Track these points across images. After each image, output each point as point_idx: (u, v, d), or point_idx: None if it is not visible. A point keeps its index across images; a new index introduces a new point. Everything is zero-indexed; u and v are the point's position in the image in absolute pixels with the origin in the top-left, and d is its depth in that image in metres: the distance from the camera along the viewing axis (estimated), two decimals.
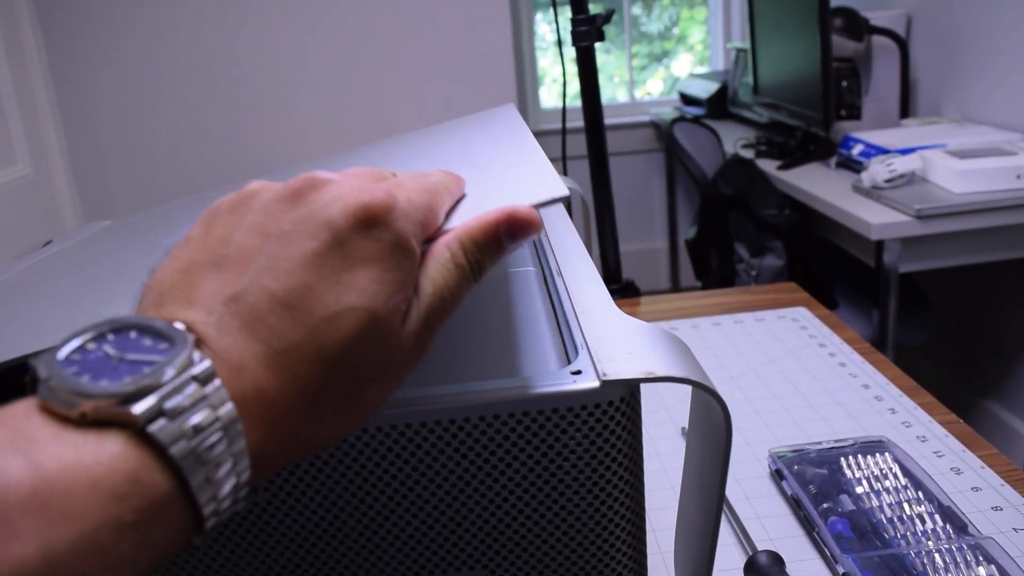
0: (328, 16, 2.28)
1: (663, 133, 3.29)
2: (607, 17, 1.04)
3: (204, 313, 0.27)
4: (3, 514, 0.21)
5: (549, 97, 3.61)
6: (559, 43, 1.13)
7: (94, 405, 0.24)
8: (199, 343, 0.26)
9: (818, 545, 0.56)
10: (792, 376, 0.82)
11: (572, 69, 1.12)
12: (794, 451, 0.65)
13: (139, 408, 0.24)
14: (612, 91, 3.76)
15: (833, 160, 2.12)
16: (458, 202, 0.36)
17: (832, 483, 0.60)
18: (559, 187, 0.34)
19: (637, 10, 3.70)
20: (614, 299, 1.12)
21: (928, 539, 0.54)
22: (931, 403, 0.76)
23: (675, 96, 3.62)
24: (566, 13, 1.08)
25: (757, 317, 0.99)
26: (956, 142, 1.86)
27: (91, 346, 0.26)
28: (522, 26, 3.42)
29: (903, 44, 2.24)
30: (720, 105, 3.12)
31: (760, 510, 0.61)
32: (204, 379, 0.25)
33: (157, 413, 0.24)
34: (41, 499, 0.21)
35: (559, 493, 0.35)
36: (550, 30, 3.60)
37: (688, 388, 0.81)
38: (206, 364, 0.25)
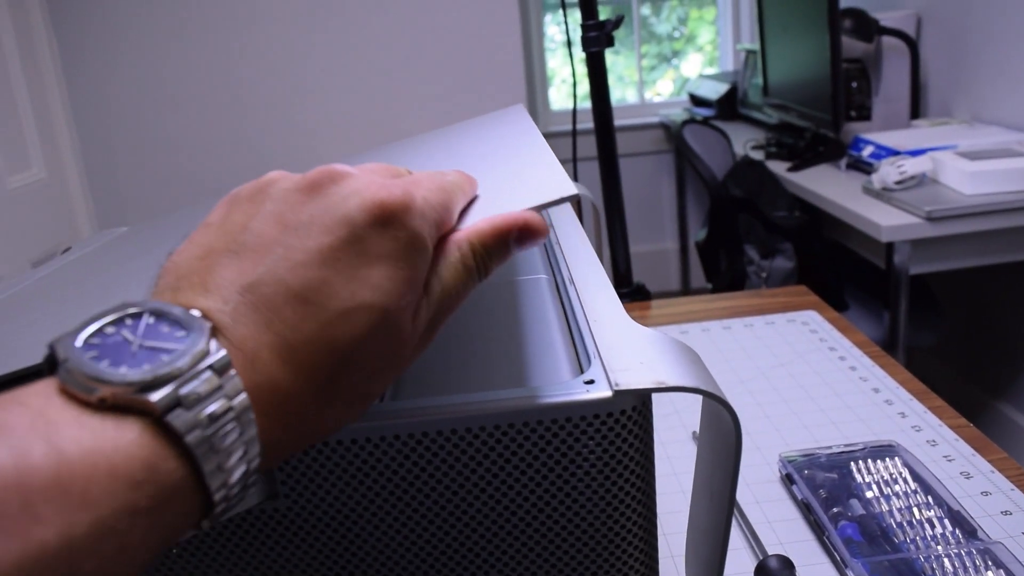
0: (338, 19, 2.30)
1: (673, 135, 3.29)
2: (617, 23, 1.04)
3: (220, 301, 0.28)
4: (26, 499, 0.21)
5: (559, 98, 3.61)
6: (568, 45, 1.14)
7: (112, 392, 0.24)
8: (215, 331, 0.27)
9: (828, 549, 0.56)
10: (802, 380, 0.83)
11: (581, 69, 1.12)
12: (804, 455, 0.65)
13: (157, 396, 0.24)
14: (622, 91, 3.76)
15: (843, 161, 2.12)
16: (471, 202, 0.37)
17: (842, 487, 0.61)
18: (568, 187, 0.35)
19: (646, 10, 3.70)
20: (625, 303, 1.13)
21: (937, 543, 0.54)
22: (941, 407, 0.76)
23: (685, 97, 3.62)
24: (575, 14, 1.08)
25: (767, 320, 0.99)
26: (967, 143, 1.86)
27: (109, 330, 0.26)
28: (531, 27, 3.42)
29: (913, 45, 2.23)
30: (730, 106, 3.12)
31: (770, 514, 0.61)
32: (220, 369, 0.26)
33: (174, 402, 0.25)
34: (62, 485, 0.22)
35: (572, 500, 0.35)
36: (560, 31, 3.60)
37: None
38: (222, 354, 0.26)
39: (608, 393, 0.34)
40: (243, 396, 0.26)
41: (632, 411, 0.34)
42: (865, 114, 2.29)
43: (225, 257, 0.29)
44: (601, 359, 0.37)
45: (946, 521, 0.56)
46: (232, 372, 0.26)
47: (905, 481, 0.61)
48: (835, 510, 0.58)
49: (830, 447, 0.66)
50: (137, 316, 0.26)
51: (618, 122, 3.46)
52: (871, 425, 0.73)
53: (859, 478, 0.62)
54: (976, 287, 2.18)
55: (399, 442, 0.35)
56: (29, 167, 2.12)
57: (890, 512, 0.58)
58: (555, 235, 0.61)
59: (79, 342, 0.25)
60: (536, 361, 0.41)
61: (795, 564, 0.53)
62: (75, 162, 2.34)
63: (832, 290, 1.89)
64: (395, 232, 0.30)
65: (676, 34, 3.77)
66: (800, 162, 2.19)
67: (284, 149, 2.31)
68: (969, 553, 0.53)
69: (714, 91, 3.21)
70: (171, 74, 2.31)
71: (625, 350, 0.37)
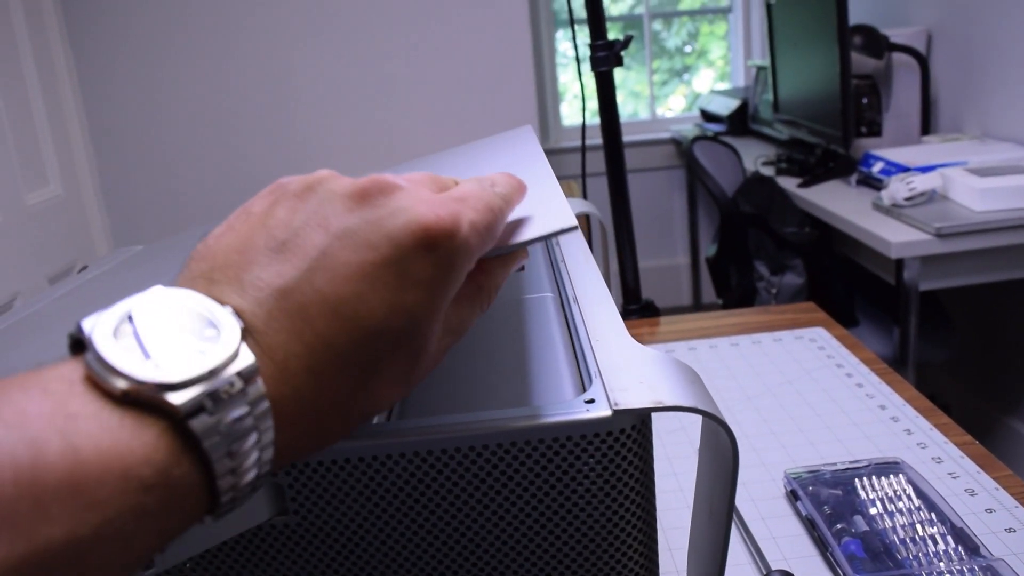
0: (351, 35, 2.32)
1: (683, 151, 3.30)
2: (625, 43, 1.06)
3: (254, 303, 0.27)
4: (37, 496, 0.21)
5: (571, 113, 3.63)
6: (577, 61, 1.15)
7: (137, 388, 0.24)
8: (245, 334, 0.27)
9: (831, 565, 0.57)
10: (809, 397, 0.83)
11: (592, 85, 1.13)
12: (809, 472, 0.66)
13: (180, 399, 0.24)
14: (634, 106, 3.78)
15: (854, 177, 2.13)
16: None
17: (846, 504, 0.61)
18: (568, 219, 0.36)
19: (657, 25, 3.71)
20: (633, 319, 1.13)
21: (940, 560, 0.55)
22: (947, 424, 0.76)
23: (696, 113, 3.63)
24: (586, 31, 1.10)
25: (775, 337, 1.00)
26: (977, 159, 1.86)
27: (140, 317, 0.26)
28: (543, 43, 3.45)
29: (923, 61, 2.24)
30: (741, 122, 3.13)
31: (775, 530, 0.62)
32: (247, 376, 0.25)
33: (198, 407, 0.24)
34: (75, 485, 0.22)
35: (574, 516, 0.36)
36: (571, 47, 3.62)
37: None
38: (251, 361, 0.26)
39: (608, 413, 0.35)
40: (266, 405, 0.26)
41: (631, 430, 0.35)
42: (876, 130, 2.29)
43: (264, 255, 0.29)
44: (602, 379, 0.38)
45: (949, 538, 0.57)
46: (258, 381, 0.26)
47: (909, 498, 0.61)
48: (839, 526, 0.59)
49: (835, 464, 0.67)
50: (167, 311, 0.26)
51: (630, 138, 3.49)
52: (877, 442, 0.73)
53: (863, 495, 0.62)
54: (988, 303, 2.18)
55: (405, 460, 0.36)
56: (47, 184, 2.15)
57: (893, 529, 0.58)
58: (561, 253, 0.62)
59: (109, 328, 0.25)
60: (540, 380, 0.42)
61: None
62: (91, 179, 2.37)
63: (842, 306, 1.89)
64: (436, 259, 0.30)
65: (687, 49, 3.79)
66: (810, 178, 2.20)
67: (297, 165, 2.34)
68: (972, 570, 0.53)
69: (725, 107, 3.22)
70: (187, 93, 2.34)
71: (625, 370, 0.38)
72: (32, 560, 0.21)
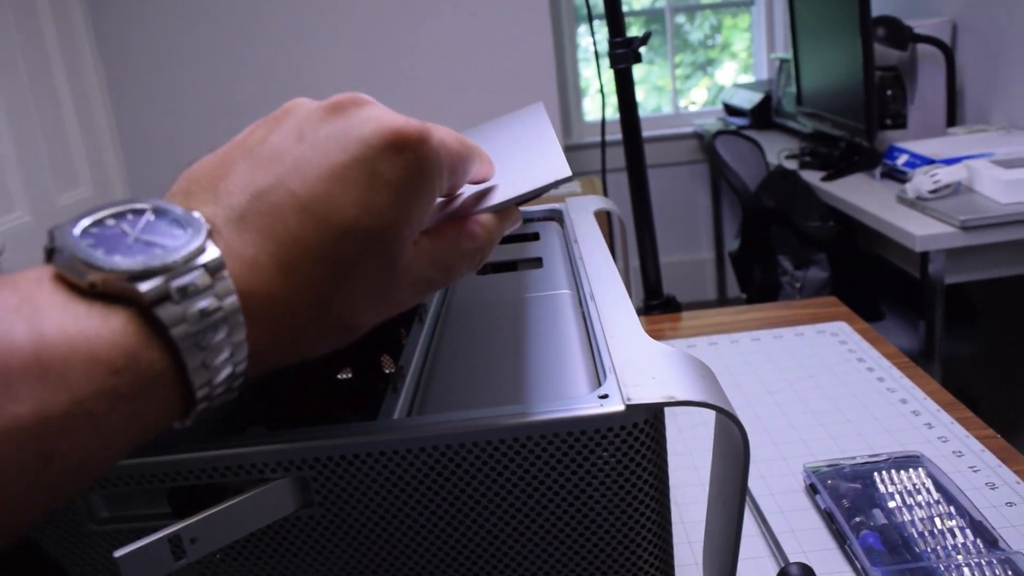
0: (374, 32, 2.34)
1: (706, 145, 3.29)
2: (644, 39, 1.06)
3: (227, 208, 0.28)
4: (4, 377, 0.22)
5: (593, 108, 3.63)
6: (596, 57, 1.15)
7: (104, 278, 0.24)
8: (215, 234, 0.27)
9: (850, 558, 0.57)
10: (830, 391, 0.84)
11: (612, 79, 1.14)
12: (829, 466, 0.66)
13: (146, 287, 0.25)
14: (657, 101, 3.77)
15: (878, 170, 2.11)
16: (487, 188, 0.39)
17: (865, 497, 0.62)
18: (564, 170, 0.38)
19: (680, 19, 3.70)
20: (655, 314, 1.13)
21: (958, 553, 0.55)
22: (969, 418, 0.76)
23: (719, 106, 3.62)
24: (606, 27, 1.10)
25: (796, 332, 1.00)
26: (1003, 151, 1.84)
27: (110, 222, 0.26)
28: (564, 39, 3.45)
29: (948, 51, 2.22)
30: (764, 115, 3.11)
31: (794, 523, 0.62)
32: (213, 269, 0.26)
33: (163, 294, 0.25)
34: (41, 365, 0.22)
35: (589, 508, 0.37)
36: (593, 42, 3.62)
37: None
38: (216, 254, 0.26)
39: (621, 407, 0.36)
40: (234, 298, 0.26)
41: (644, 424, 0.36)
42: (901, 122, 2.28)
43: (239, 165, 0.30)
44: (616, 374, 0.38)
45: (968, 531, 0.57)
46: (225, 273, 0.26)
47: (928, 491, 0.62)
48: (857, 519, 0.59)
49: (854, 458, 0.67)
50: (139, 212, 0.27)
51: (652, 132, 3.48)
52: (897, 436, 0.73)
53: (882, 488, 0.62)
54: (1016, 296, 2.15)
55: (424, 454, 0.37)
56: (78, 185, 2.19)
57: (912, 522, 0.58)
58: (579, 250, 0.63)
59: (77, 230, 0.26)
60: (557, 375, 0.43)
61: (816, 572, 0.55)
62: (120, 180, 2.41)
63: (867, 300, 1.88)
64: (406, 161, 0.31)
65: (710, 42, 3.77)
66: (834, 172, 2.19)
67: None
68: (989, 563, 0.53)
69: (748, 100, 3.20)
70: (212, 95, 2.37)
71: (639, 365, 0.39)
72: (1, 437, 0.21)
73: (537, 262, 0.64)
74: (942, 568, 0.53)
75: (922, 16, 2.41)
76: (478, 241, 0.37)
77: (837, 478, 0.64)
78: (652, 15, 3.67)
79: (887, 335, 1.83)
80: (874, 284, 1.95)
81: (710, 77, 3.80)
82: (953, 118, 2.29)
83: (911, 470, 0.64)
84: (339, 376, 0.72)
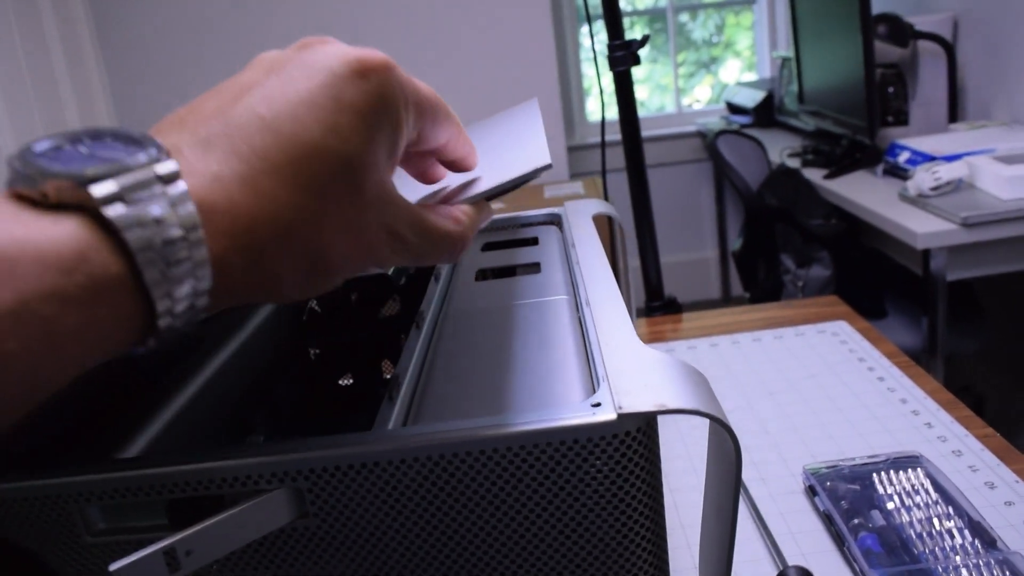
0: (378, 31, 2.34)
1: (708, 144, 3.29)
2: (643, 42, 1.06)
3: (190, 135, 0.28)
4: None
5: (596, 108, 3.63)
6: (595, 58, 1.15)
7: (56, 185, 0.25)
8: (176, 155, 0.27)
9: (848, 560, 0.57)
10: (830, 391, 0.84)
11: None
12: (828, 467, 0.66)
13: (98, 190, 0.25)
14: (660, 99, 3.77)
15: (880, 168, 2.11)
16: (468, 177, 0.41)
17: (864, 499, 0.62)
18: (543, 158, 0.39)
19: (683, 17, 3.70)
20: (656, 316, 1.13)
21: (956, 554, 0.55)
22: (968, 417, 0.76)
23: (722, 105, 3.62)
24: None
25: (797, 332, 1.00)
26: (1005, 147, 1.84)
27: (66, 146, 0.26)
28: (566, 39, 3.45)
29: (950, 48, 2.22)
30: (767, 114, 3.11)
31: (793, 525, 0.62)
32: (168, 178, 0.26)
33: (115, 198, 0.25)
34: None
35: (583, 516, 0.37)
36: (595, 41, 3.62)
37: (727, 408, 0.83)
38: (173, 166, 0.26)
39: (613, 416, 0.36)
40: (191, 207, 0.26)
41: (637, 431, 0.36)
42: (903, 119, 2.27)
43: (208, 97, 0.30)
44: (608, 382, 0.39)
45: (966, 532, 0.57)
46: (181, 183, 0.26)
47: (927, 492, 0.62)
48: (856, 521, 0.59)
49: (853, 459, 0.67)
50: (96, 137, 0.27)
51: (655, 131, 3.48)
52: (897, 436, 0.73)
53: (881, 489, 0.63)
54: (1021, 292, 2.15)
55: (419, 463, 0.37)
56: None
57: (910, 523, 0.58)
58: (577, 255, 0.63)
59: (35, 150, 0.26)
60: (551, 383, 0.43)
61: (815, 575, 0.55)
62: None
63: (871, 298, 1.88)
64: (370, 85, 0.31)
65: (714, 40, 3.77)
66: (836, 169, 2.18)
67: None
68: (988, 564, 0.53)
69: (751, 99, 3.20)
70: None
71: (632, 373, 0.39)
72: None
73: (535, 267, 0.65)
74: (940, 569, 0.53)
75: (923, 12, 2.41)
76: (461, 225, 0.37)
77: (836, 479, 0.64)
78: (655, 14, 3.67)
79: (890, 332, 1.83)
80: (877, 281, 1.94)
81: (714, 75, 3.80)
82: (955, 114, 2.29)
83: (910, 471, 0.64)
84: (340, 382, 0.73)
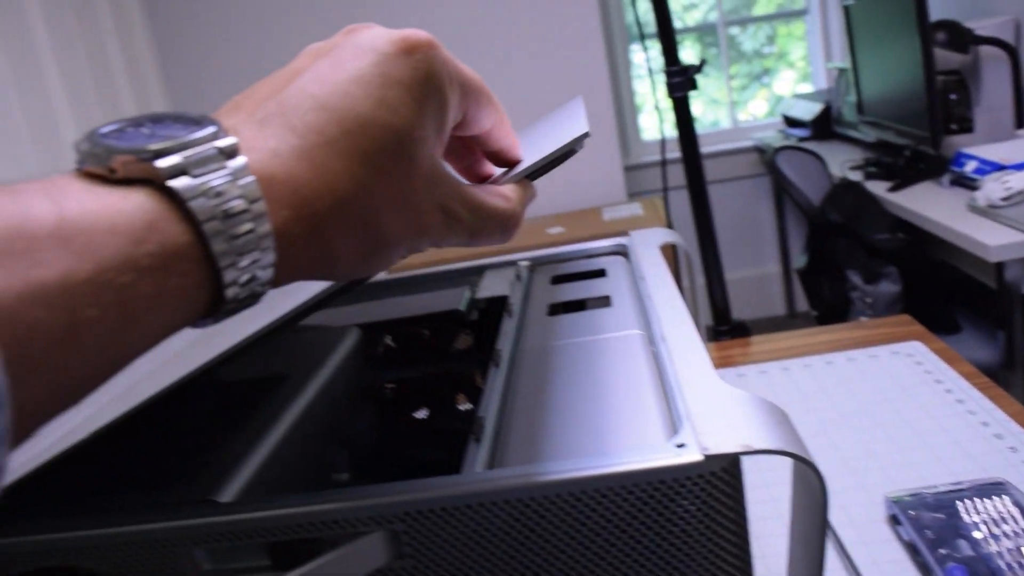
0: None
1: (767, 160, 3.26)
2: (699, 67, 1.07)
3: (247, 116, 0.30)
4: (29, 245, 0.23)
5: (649, 124, 3.62)
6: (651, 75, 1.16)
7: (123, 161, 0.26)
8: (235, 133, 0.29)
9: None
10: (907, 415, 0.83)
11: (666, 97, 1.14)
12: (910, 495, 0.66)
13: (163, 163, 0.26)
14: (714, 114, 3.75)
15: (946, 178, 2.07)
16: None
17: (949, 528, 0.61)
18: (580, 127, 0.41)
19: (734, 29, 3.68)
20: (725, 340, 1.13)
21: None
22: None
23: (778, 118, 3.58)
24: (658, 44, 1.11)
25: (870, 354, 0.99)
26: None
27: (129, 128, 0.28)
28: (617, 57, 3.46)
29: (1013, 51, 2.17)
30: (825, 126, 3.08)
31: (877, 555, 0.62)
32: (228, 152, 0.28)
33: (179, 171, 0.26)
34: (64, 236, 0.23)
35: (671, 556, 0.38)
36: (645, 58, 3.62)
37: None
38: (231, 140, 0.28)
39: (698, 457, 0.36)
40: (251, 179, 0.28)
41: (722, 472, 0.37)
42: (967, 126, 2.23)
43: (262, 86, 0.32)
44: (691, 422, 0.39)
45: None
46: (240, 157, 0.28)
47: (1015, 520, 0.61)
48: (942, 551, 0.58)
49: (936, 486, 0.66)
50: (157, 120, 0.29)
51: (711, 148, 3.46)
52: (979, 461, 0.72)
53: (967, 518, 0.62)
54: None
55: (508, 506, 0.38)
56: None
57: (999, 553, 0.58)
58: (647, 287, 0.64)
59: (102, 131, 0.27)
60: (632, 422, 0.44)
61: None
62: None
63: (942, 313, 1.84)
64: (416, 62, 0.33)
65: (765, 51, 3.74)
66: (900, 181, 2.15)
67: None
68: None
69: (808, 111, 3.17)
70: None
71: (714, 412, 0.40)
72: (26, 298, 0.22)
73: (605, 300, 0.65)
74: None
75: (983, 17, 2.36)
76: (511, 203, 0.39)
77: (919, 508, 0.64)
78: (704, 29, 3.66)
79: (965, 348, 1.79)
80: (948, 296, 1.90)
81: (767, 87, 3.77)
82: (1021, 120, 2.23)
83: (996, 498, 0.63)
84: (416, 415, 0.74)
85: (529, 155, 0.43)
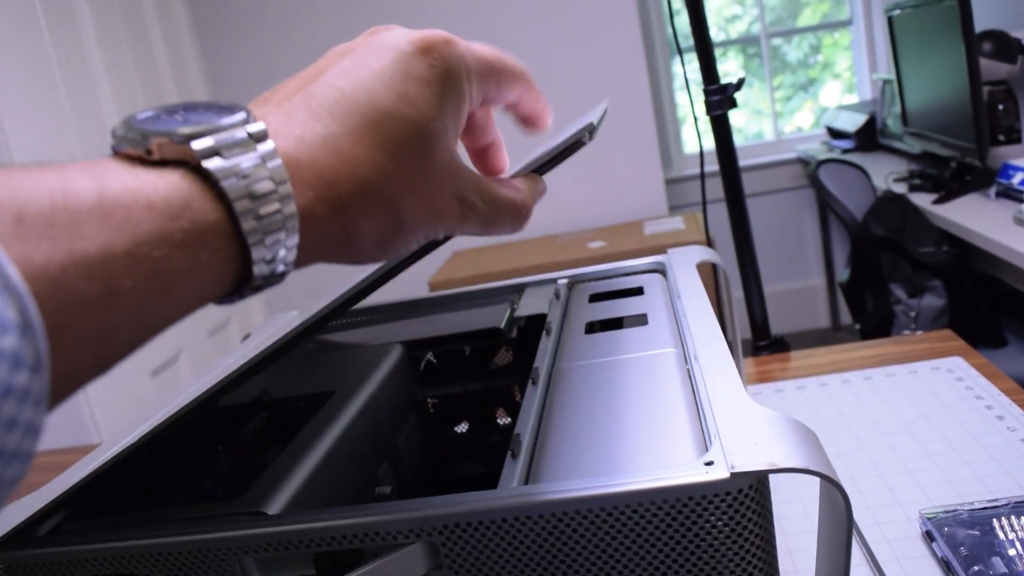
0: None
1: (809, 174, 3.24)
2: (738, 85, 1.08)
3: (274, 107, 0.32)
4: (72, 218, 0.24)
5: (691, 137, 3.62)
6: (688, 88, 1.17)
7: (159, 143, 0.28)
8: (260, 118, 0.30)
9: None
10: (946, 431, 0.83)
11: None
12: (945, 512, 0.66)
13: (197, 145, 0.28)
14: (758, 125, 3.73)
15: (993, 190, 2.04)
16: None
17: (984, 545, 0.61)
18: (586, 119, 0.44)
19: (777, 40, 3.66)
20: (764, 355, 1.13)
21: None
22: None
23: (822, 130, 3.56)
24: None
25: (910, 369, 0.99)
26: None
27: (164, 115, 0.30)
28: (659, 70, 3.46)
29: None
30: (869, 137, 3.05)
31: (910, 572, 0.62)
32: (257, 137, 0.29)
33: (212, 152, 0.28)
34: (104, 211, 0.25)
35: (700, 571, 0.39)
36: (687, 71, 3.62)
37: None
38: (261, 126, 0.30)
39: (726, 475, 0.38)
40: (278, 161, 0.29)
41: (749, 489, 0.38)
42: (1015, 137, 2.20)
43: (289, 82, 0.35)
44: (720, 440, 0.41)
45: None
46: (269, 141, 0.30)
47: None
48: (976, 568, 0.59)
49: (972, 503, 0.66)
50: (190, 108, 0.30)
51: (755, 160, 3.44)
52: (1018, 478, 0.72)
53: (1002, 535, 0.62)
54: None
55: (543, 520, 0.40)
56: None
57: None
58: (682, 307, 0.65)
59: (138, 117, 0.29)
60: (663, 439, 0.46)
61: None
62: None
63: (988, 327, 1.82)
64: (434, 60, 0.35)
65: (810, 61, 3.72)
66: (946, 194, 2.12)
67: None
68: None
69: (852, 123, 3.14)
70: None
71: (743, 431, 0.41)
72: (70, 270, 0.24)
73: (642, 319, 0.67)
74: None
75: None
76: (522, 194, 0.41)
77: (954, 525, 0.64)
78: (747, 41, 3.65)
79: (1012, 361, 1.76)
80: (994, 309, 1.88)
81: (813, 98, 3.74)
82: None
83: None
84: (457, 430, 0.77)
85: (539, 151, 0.45)
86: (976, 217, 1.90)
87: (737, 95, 1.09)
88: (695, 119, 1.18)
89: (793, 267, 3.52)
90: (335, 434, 0.58)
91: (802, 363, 1.08)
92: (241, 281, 0.30)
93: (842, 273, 2.24)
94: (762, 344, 1.13)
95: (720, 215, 1.19)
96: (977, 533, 0.62)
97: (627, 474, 0.40)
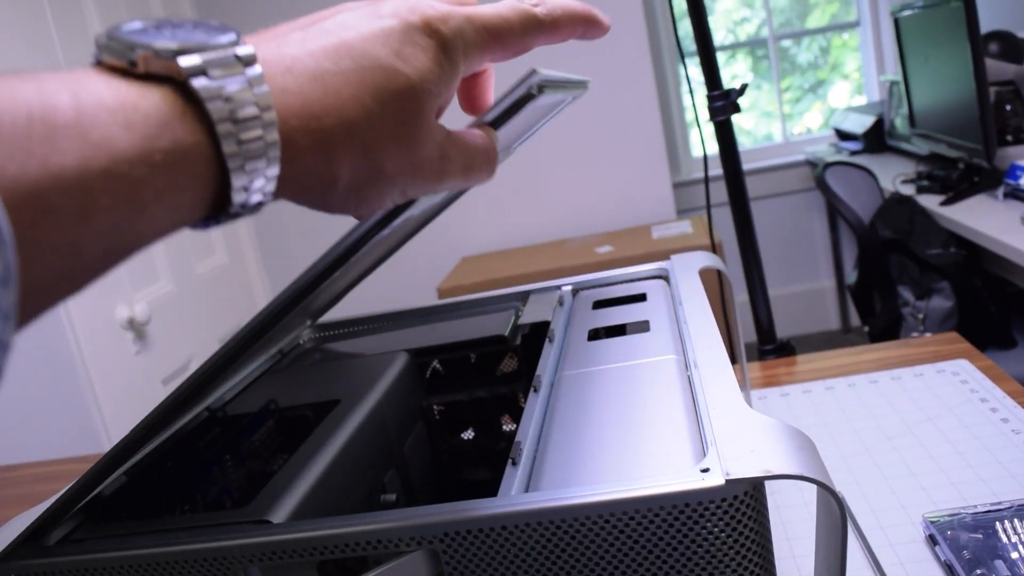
0: None
1: (816, 176, 3.24)
2: (741, 91, 1.08)
3: (268, 39, 0.32)
4: (49, 133, 0.23)
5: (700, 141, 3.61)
6: (692, 95, 1.17)
7: (145, 56, 0.26)
8: (253, 47, 0.29)
9: None
10: (951, 434, 0.83)
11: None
12: (949, 515, 0.66)
13: (184, 61, 0.27)
14: (767, 127, 3.72)
15: (1000, 191, 2.04)
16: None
17: (987, 548, 0.61)
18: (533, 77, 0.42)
19: (786, 42, 3.66)
20: (769, 359, 1.14)
21: None
22: None
23: (830, 131, 3.55)
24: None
25: (916, 372, 0.99)
26: None
27: (151, 28, 0.28)
28: (667, 75, 3.46)
29: None
30: (877, 139, 3.04)
31: (913, 575, 0.62)
32: (246, 60, 0.28)
33: (199, 70, 0.27)
34: (82, 128, 0.24)
35: (696, 574, 0.40)
36: (694, 75, 3.62)
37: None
38: (250, 49, 0.29)
39: (721, 482, 0.38)
40: (265, 87, 0.29)
41: (745, 495, 0.39)
42: (1023, 137, 2.19)
43: (288, 24, 0.34)
44: (716, 447, 0.41)
45: None
46: (257, 66, 0.29)
47: None
48: (978, 572, 0.59)
49: (975, 506, 0.67)
50: (178, 25, 0.29)
51: (763, 162, 3.44)
52: (1023, 481, 0.72)
53: (1005, 538, 0.62)
54: None
55: (542, 527, 0.40)
56: (214, 254, 2.35)
57: None
58: (683, 313, 0.66)
59: (124, 28, 0.28)
60: (662, 446, 0.46)
61: None
62: (253, 248, 2.57)
63: (997, 328, 1.81)
64: (433, 33, 0.35)
65: (819, 63, 3.71)
66: (954, 195, 2.12)
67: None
68: None
69: (859, 124, 3.14)
70: None
71: (739, 438, 0.42)
72: (45, 183, 0.23)
73: (644, 325, 0.67)
74: None
75: None
76: (485, 140, 0.40)
77: (958, 528, 0.64)
78: (756, 44, 3.65)
79: (1021, 363, 1.75)
80: (1003, 311, 1.87)
81: (822, 100, 3.73)
82: None
83: None
84: (463, 435, 0.77)
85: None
86: (984, 218, 1.90)
87: (741, 100, 1.09)
88: (698, 125, 1.18)
89: (803, 269, 3.52)
90: (340, 442, 0.59)
91: (808, 367, 1.08)
92: (218, 207, 0.29)
93: (850, 275, 2.23)
94: (768, 348, 1.13)
95: (728, 219, 1.19)
96: (980, 536, 0.63)
97: (625, 481, 0.40)
